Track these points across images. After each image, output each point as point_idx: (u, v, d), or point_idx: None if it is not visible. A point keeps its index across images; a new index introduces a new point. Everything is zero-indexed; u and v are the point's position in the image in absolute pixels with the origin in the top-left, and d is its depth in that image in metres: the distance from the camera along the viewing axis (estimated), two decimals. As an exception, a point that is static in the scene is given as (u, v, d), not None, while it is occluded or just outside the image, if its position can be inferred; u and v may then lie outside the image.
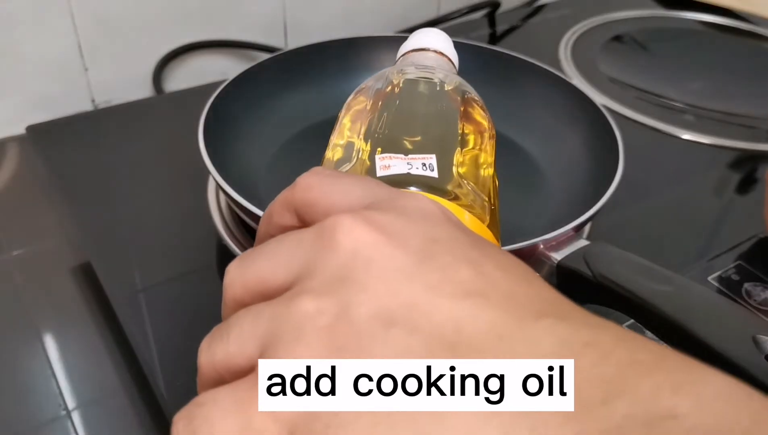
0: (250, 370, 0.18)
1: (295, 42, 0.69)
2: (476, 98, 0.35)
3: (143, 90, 0.63)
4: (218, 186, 0.41)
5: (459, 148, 0.30)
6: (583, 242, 0.39)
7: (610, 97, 0.63)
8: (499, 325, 0.17)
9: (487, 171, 0.31)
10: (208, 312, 0.41)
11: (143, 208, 0.48)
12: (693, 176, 0.54)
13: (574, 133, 0.51)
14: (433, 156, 0.28)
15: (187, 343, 0.39)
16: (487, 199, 0.29)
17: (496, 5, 0.77)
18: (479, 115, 0.34)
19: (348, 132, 0.32)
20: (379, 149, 0.29)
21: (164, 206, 0.48)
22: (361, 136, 0.30)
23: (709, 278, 0.43)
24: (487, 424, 0.15)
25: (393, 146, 0.29)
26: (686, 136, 0.59)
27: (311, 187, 0.21)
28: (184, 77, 0.65)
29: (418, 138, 0.30)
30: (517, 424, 0.15)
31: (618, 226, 0.48)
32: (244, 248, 0.43)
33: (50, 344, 0.40)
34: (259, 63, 0.53)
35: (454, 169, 0.28)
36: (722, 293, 0.42)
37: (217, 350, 0.19)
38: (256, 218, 0.37)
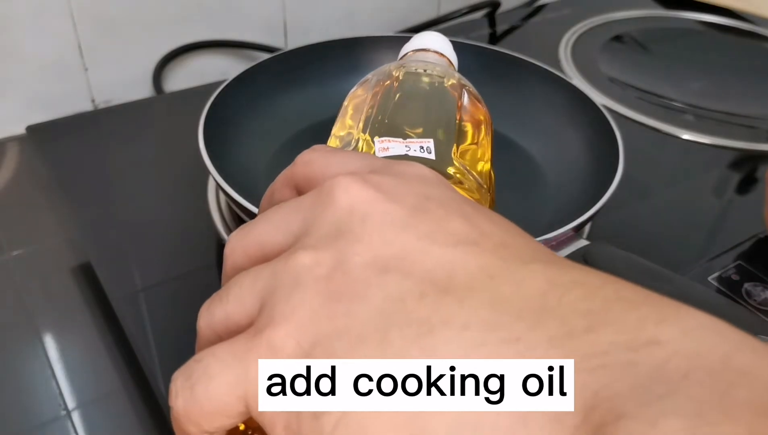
0: (249, 326, 0.18)
1: (295, 42, 0.69)
2: (475, 93, 0.35)
3: (143, 90, 0.63)
4: (218, 186, 0.41)
5: (457, 139, 0.30)
6: (583, 242, 0.39)
7: (610, 97, 0.63)
8: (490, 267, 0.17)
9: (485, 166, 0.31)
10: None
11: (143, 208, 0.48)
12: (693, 176, 0.54)
13: (574, 133, 0.51)
14: (431, 140, 0.29)
15: (187, 343, 0.39)
16: (485, 190, 0.29)
17: (496, 5, 0.77)
18: (478, 109, 0.34)
19: (349, 122, 0.32)
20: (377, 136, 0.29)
21: (164, 206, 0.48)
22: (361, 126, 0.30)
23: (709, 278, 0.43)
24: (473, 354, 0.15)
25: (392, 135, 0.29)
26: (686, 136, 0.59)
27: (311, 161, 0.22)
28: (184, 77, 0.65)
29: (418, 129, 0.30)
30: (503, 351, 0.15)
31: (618, 226, 0.48)
32: (244, 248, 0.43)
33: (50, 344, 0.40)
34: (259, 63, 0.53)
35: (453, 155, 0.29)
36: (722, 293, 0.42)
37: (216, 311, 0.19)
38: (256, 218, 0.37)
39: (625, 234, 0.47)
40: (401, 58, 0.41)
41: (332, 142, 0.32)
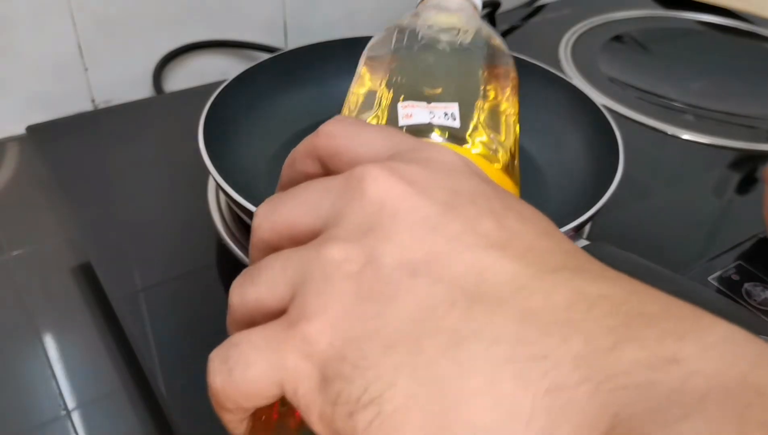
0: (281, 312, 0.18)
1: (295, 42, 0.69)
2: (500, 46, 0.34)
3: (143, 90, 0.63)
4: (218, 186, 0.41)
5: (481, 99, 0.29)
6: (583, 242, 0.39)
7: (610, 97, 0.63)
8: (519, 276, 0.17)
9: (510, 122, 0.30)
10: (208, 312, 0.41)
11: (143, 208, 0.48)
12: (693, 176, 0.54)
13: (574, 133, 0.51)
14: (456, 105, 0.28)
15: (187, 343, 0.39)
16: (509, 150, 0.29)
17: (496, 5, 0.77)
18: (503, 64, 0.33)
19: (369, 81, 0.31)
20: (402, 97, 0.29)
21: (164, 206, 0.48)
22: (383, 85, 0.30)
23: (709, 278, 0.43)
24: (502, 370, 0.16)
25: (414, 96, 0.29)
26: (686, 136, 0.59)
27: (334, 135, 0.22)
28: (184, 77, 0.65)
29: (440, 89, 0.29)
30: (530, 368, 0.16)
31: (618, 226, 0.48)
32: (244, 248, 0.43)
33: (50, 344, 0.40)
34: (259, 63, 0.53)
35: (476, 118, 0.28)
36: (722, 293, 0.42)
37: (248, 292, 0.19)
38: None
39: (625, 234, 0.47)
40: (420, 3, 0.38)
41: (352, 99, 0.31)
